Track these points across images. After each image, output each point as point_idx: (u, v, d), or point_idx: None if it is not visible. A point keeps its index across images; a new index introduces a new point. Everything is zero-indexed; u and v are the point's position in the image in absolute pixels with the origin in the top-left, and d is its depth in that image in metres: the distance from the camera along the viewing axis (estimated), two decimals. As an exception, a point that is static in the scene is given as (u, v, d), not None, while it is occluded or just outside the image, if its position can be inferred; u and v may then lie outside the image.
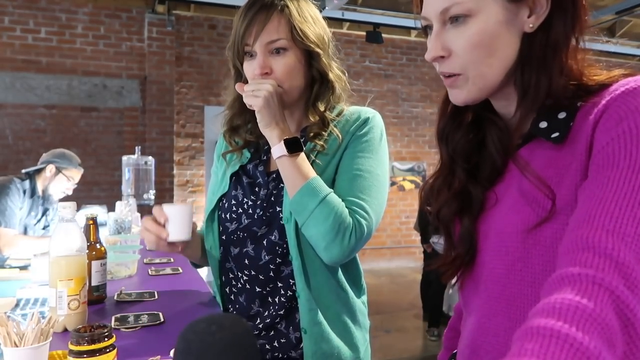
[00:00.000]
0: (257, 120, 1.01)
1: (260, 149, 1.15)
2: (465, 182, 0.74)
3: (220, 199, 1.14)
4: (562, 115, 0.64)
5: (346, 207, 0.99)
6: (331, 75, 1.09)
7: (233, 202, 1.12)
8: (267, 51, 1.03)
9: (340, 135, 1.06)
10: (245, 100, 1.02)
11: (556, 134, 0.63)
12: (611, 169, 0.55)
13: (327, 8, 4.89)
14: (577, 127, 0.62)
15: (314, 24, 1.07)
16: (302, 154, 1.01)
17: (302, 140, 1.04)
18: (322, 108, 1.08)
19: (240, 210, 1.10)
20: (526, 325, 0.46)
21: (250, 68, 1.04)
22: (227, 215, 1.12)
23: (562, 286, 0.49)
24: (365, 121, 1.09)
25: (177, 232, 1.04)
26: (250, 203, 1.09)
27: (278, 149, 0.99)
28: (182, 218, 1.05)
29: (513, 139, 0.70)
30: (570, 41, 0.65)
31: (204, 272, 2.18)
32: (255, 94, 0.99)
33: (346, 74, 1.14)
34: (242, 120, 1.14)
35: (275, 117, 1.00)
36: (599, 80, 0.64)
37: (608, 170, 0.55)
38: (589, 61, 0.66)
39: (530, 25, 0.64)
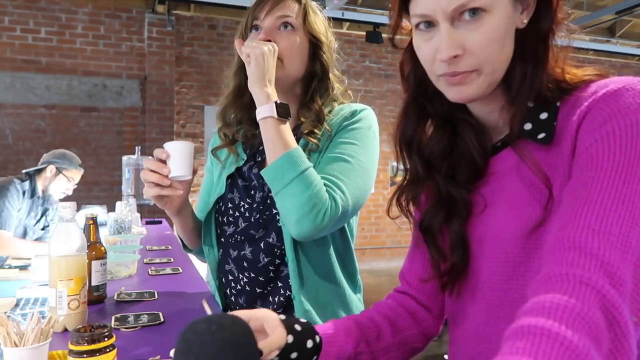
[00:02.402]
0: (249, 74, 0.98)
1: (255, 149, 1.14)
2: (446, 186, 0.73)
3: (217, 202, 1.14)
4: (543, 115, 0.64)
5: None
6: (331, 75, 1.10)
7: (230, 205, 1.11)
8: (275, 26, 1.04)
9: (329, 129, 1.06)
10: (242, 49, 0.99)
11: (543, 135, 0.63)
12: (595, 170, 0.55)
13: (327, 8, 4.89)
14: (561, 127, 0.62)
15: (323, 24, 1.11)
16: (288, 124, 0.99)
17: (295, 137, 1.04)
18: (320, 102, 1.08)
19: (237, 214, 1.09)
20: (516, 324, 0.47)
21: (253, 40, 1.03)
22: (224, 219, 1.11)
23: (550, 285, 0.50)
24: (354, 113, 1.08)
25: (178, 167, 1.02)
26: (246, 206, 1.08)
27: (266, 109, 0.97)
28: (183, 154, 1.02)
29: (495, 137, 0.70)
30: (552, 36, 0.65)
31: (204, 272, 2.18)
32: (256, 44, 0.98)
33: (346, 82, 1.15)
34: (234, 114, 1.12)
35: (269, 76, 0.98)
36: (574, 78, 0.64)
37: (592, 171, 0.55)
38: (566, 58, 0.66)
39: (524, 21, 0.64)
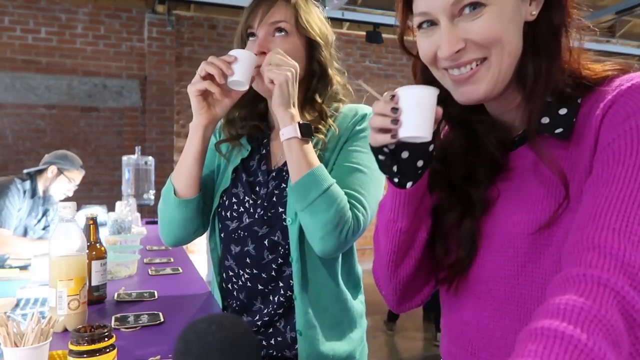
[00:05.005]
0: (273, 98, 0.98)
1: (260, 142, 1.15)
2: (463, 186, 0.71)
3: (220, 196, 1.14)
4: (562, 111, 0.62)
5: None
6: (331, 71, 1.11)
7: (234, 200, 1.11)
8: (269, 32, 1.05)
9: (338, 130, 1.07)
10: (266, 74, 0.98)
11: (560, 130, 0.62)
12: (617, 166, 0.53)
13: (327, 8, 4.89)
14: (581, 124, 0.61)
15: (318, 20, 1.10)
16: (310, 143, 1.01)
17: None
18: (320, 101, 1.09)
19: (242, 209, 1.10)
20: (530, 326, 0.46)
21: (250, 49, 1.05)
22: (228, 214, 1.11)
23: (567, 287, 0.48)
24: (364, 117, 1.09)
25: (241, 73, 1.00)
26: (251, 202, 1.09)
27: (290, 130, 0.98)
28: (249, 62, 1.02)
29: (511, 133, 0.69)
30: (565, 30, 0.64)
31: (204, 272, 2.18)
32: (280, 69, 0.97)
33: (346, 75, 1.15)
34: (238, 113, 1.14)
35: (293, 99, 0.99)
36: (595, 74, 0.63)
37: (614, 168, 0.54)
38: (583, 54, 0.65)
39: (533, 13, 0.63)
